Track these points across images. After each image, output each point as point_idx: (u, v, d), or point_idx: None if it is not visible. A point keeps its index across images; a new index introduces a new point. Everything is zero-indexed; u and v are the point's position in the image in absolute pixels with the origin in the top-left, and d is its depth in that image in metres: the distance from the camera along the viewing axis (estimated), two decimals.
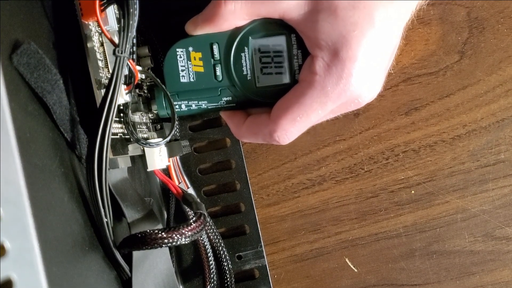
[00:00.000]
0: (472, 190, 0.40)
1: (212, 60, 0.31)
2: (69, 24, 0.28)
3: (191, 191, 0.40)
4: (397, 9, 0.28)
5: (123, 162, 0.30)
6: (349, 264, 0.42)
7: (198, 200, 0.33)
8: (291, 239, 0.41)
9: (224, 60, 0.31)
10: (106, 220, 0.26)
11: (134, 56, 0.28)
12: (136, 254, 0.28)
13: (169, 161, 0.35)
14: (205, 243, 0.37)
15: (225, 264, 0.38)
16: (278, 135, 0.30)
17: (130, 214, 0.30)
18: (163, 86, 0.31)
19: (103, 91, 0.26)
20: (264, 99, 0.31)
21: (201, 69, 0.31)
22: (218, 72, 0.31)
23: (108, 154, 0.25)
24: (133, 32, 0.25)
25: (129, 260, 0.28)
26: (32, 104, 0.22)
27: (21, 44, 0.22)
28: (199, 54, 0.31)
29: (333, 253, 0.41)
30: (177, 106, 0.32)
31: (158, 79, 0.31)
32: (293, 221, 0.41)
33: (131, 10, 0.25)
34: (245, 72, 0.31)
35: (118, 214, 0.29)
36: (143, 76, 0.32)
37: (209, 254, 0.38)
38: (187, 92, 0.31)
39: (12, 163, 0.18)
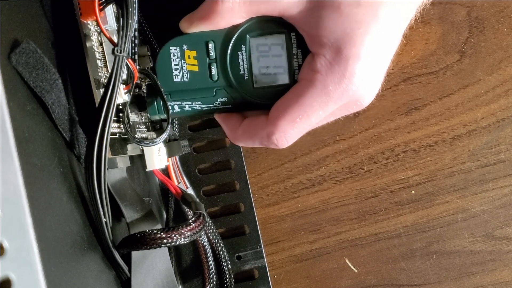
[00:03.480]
0: (472, 190, 0.40)
1: (207, 59, 0.29)
2: (68, 23, 0.28)
3: (190, 191, 0.40)
4: (401, 7, 0.27)
5: (122, 162, 0.30)
6: (349, 264, 0.41)
7: (198, 200, 0.33)
8: (290, 239, 0.41)
9: (220, 59, 0.29)
10: (105, 220, 0.26)
11: (135, 57, 0.28)
12: (135, 254, 0.28)
13: (168, 161, 0.35)
14: (205, 243, 0.37)
15: (225, 264, 0.38)
16: (277, 138, 0.28)
17: (129, 214, 0.30)
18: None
19: (102, 90, 0.26)
20: (261, 100, 0.30)
21: (196, 68, 0.29)
22: (214, 72, 0.29)
23: (107, 154, 0.25)
24: (132, 32, 0.25)
25: (128, 260, 0.28)
26: (30, 103, 0.22)
27: (20, 43, 0.21)
28: (194, 53, 0.29)
29: (333, 253, 0.41)
30: (169, 107, 0.30)
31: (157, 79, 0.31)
32: (293, 221, 0.41)
33: (130, 9, 0.25)
34: (242, 72, 0.29)
35: (117, 214, 0.29)
36: (142, 76, 0.32)
37: (208, 255, 0.37)
38: (181, 92, 0.30)
39: (11, 163, 0.18)
